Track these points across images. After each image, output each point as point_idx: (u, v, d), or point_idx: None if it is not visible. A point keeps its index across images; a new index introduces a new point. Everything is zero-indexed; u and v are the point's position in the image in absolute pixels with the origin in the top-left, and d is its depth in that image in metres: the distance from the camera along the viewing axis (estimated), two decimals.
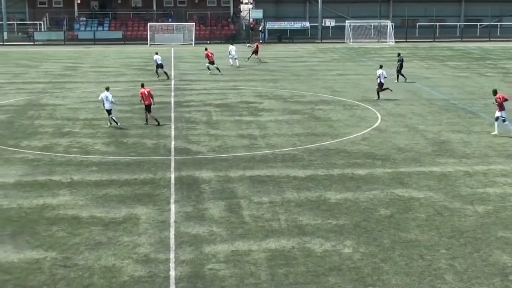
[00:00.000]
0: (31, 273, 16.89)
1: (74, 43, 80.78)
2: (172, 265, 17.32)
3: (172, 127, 33.59)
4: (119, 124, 33.35)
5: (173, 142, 30.43)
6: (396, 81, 47.82)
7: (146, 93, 33.69)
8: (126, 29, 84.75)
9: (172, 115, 36.61)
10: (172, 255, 17.91)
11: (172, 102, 40.38)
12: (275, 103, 40.30)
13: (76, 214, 21.05)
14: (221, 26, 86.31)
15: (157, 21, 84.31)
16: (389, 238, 19.16)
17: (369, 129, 33.14)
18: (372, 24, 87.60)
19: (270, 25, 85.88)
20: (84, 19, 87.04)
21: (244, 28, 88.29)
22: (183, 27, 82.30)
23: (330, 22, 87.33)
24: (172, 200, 22.36)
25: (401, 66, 48.81)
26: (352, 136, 31.56)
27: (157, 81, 49.30)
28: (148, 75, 52.67)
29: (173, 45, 76.37)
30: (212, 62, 52.63)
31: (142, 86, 34.61)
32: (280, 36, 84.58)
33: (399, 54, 50.65)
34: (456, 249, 18.34)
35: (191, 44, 79.11)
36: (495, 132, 31.61)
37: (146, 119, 34.18)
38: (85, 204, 22.02)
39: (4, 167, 26.36)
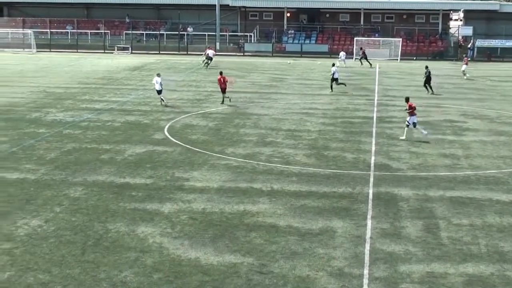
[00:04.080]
0: (228, 276, 17.46)
1: (282, 55, 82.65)
2: (365, 281, 17.24)
3: (373, 142, 33.47)
4: (164, 102, 43.21)
5: (373, 158, 30.32)
6: (427, 92, 51.12)
7: (222, 79, 43.71)
8: (332, 43, 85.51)
9: (374, 130, 36.49)
10: (366, 271, 17.83)
11: (374, 117, 40.24)
12: (481, 123, 39.03)
13: (274, 223, 21.51)
14: (429, 43, 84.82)
15: (363, 36, 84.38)
16: None
17: None
18: None
19: (480, 42, 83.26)
20: (293, 32, 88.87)
21: (452, 45, 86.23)
22: (389, 42, 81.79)
23: None
24: (369, 216, 22.27)
25: (428, 79, 51.61)
26: None
27: (359, 96, 49.39)
28: (351, 89, 52.87)
29: (378, 60, 76.08)
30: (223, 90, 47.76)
31: (220, 73, 44.63)
32: (489, 54, 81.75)
33: (426, 67, 52.73)
34: None
35: (397, 59, 78.44)
36: (403, 137, 34.06)
37: (223, 100, 44.20)
38: (283, 213, 22.46)
39: (209, 172, 27.48)
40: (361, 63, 71.81)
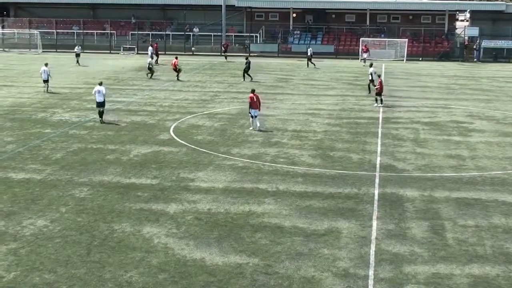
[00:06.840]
0: (233, 277, 17.46)
1: (287, 55, 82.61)
2: (371, 282, 17.22)
3: (379, 143, 33.45)
4: (46, 89, 48.48)
5: (378, 158, 30.29)
6: (243, 80, 57.39)
7: (175, 63, 55.17)
8: (338, 44, 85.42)
9: (380, 130, 36.45)
10: (371, 272, 17.81)
11: (380, 118, 40.20)
12: (487, 124, 38.96)
13: (279, 223, 21.51)
14: (435, 43, 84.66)
15: (369, 37, 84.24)
16: None
17: None
18: None
19: (486, 43, 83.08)
20: (298, 32, 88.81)
21: (458, 45, 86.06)
22: (395, 43, 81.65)
23: None
24: (374, 217, 22.25)
25: (248, 68, 57.90)
26: None
27: (365, 96, 49.33)
28: (357, 89, 52.83)
29: (384, 61, 76.00)
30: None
31: (176, 57, 57.51)
32: (496, 55, 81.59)
33: (246, 58, 60.38)
34: None
35: (403, 60, 78.34)
36: (251, 128, 36.11)
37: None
38: (288, 214, 22.46)
39: (215, 172, 27.49)
40: (313, 65, 70.48)
